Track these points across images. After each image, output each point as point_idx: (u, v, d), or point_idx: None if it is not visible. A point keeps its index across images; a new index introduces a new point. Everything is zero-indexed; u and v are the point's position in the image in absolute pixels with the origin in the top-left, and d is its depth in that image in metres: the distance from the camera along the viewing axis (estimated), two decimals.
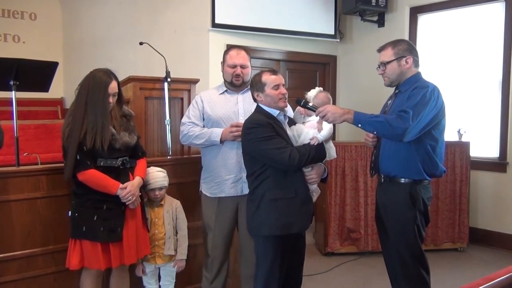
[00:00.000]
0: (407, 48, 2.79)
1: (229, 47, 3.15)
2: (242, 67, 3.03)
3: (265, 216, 2.58)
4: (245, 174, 2.96)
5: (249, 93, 3.08)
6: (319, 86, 2.89)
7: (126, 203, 2.68)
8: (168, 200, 3.00)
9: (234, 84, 3.05)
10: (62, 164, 2.72)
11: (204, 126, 3.06)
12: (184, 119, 3.11)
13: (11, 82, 3.35)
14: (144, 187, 2.86)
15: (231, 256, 3.36)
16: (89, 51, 6.82)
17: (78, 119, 2.59)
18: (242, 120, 2.98)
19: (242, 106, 3.04)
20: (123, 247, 2.68)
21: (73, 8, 7.22)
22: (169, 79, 3.50)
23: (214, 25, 5.17)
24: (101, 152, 2.60)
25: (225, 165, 2.99)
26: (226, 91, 3.10)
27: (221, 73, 3.12)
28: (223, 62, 3.09)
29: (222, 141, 2.95)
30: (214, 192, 3.04)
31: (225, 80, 3.11)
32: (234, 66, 3.02)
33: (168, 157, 3.47)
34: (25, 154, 4.57)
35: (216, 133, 2.95)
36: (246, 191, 2.97)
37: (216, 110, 3.04)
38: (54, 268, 2.85)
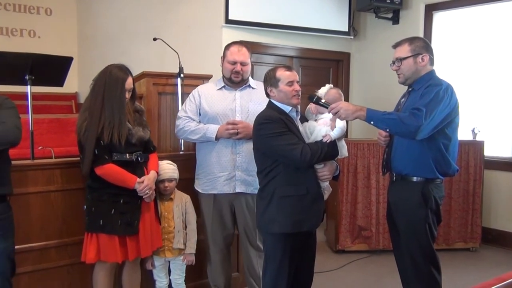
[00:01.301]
0: (423, 45, 2.76)
1: (230, 43, 3.10)
2: (242, 64, 2.99)
3: (275, 213, 2.56)
4: (239, 172, 2.97)
5: (247, 90, 3.07)
6: (332, 83, 2.87)
7: (143, 197, 2.71)
8: (178, 195, 3.03)
9: (232, 81, 3.02)
10: (76, 158, 2.75)
11: (200, 121, 3.04)
12: (181, 113, 3.09)
13: (27, 77, 3.39)
14: None
15: (242, 253, 3.38)
16: (103, 46, 6.86)
17: (95, 114, 2.61)
18: (238, 118, 2.97)
19: (240, 103, 3.02)
20: (139, 240, 2.72)
21: (87, 3, 7.27)
22: (182, 75, 3.52)
23: (228, 21, 5.17)
24: (118, 147, 2.62)
25: (219, 162, 2.98)
26: (224, 87, 3.07)
27: (221, 68, 3.09)
28: (223, 58, 3.05)
29: (217, 138, 2.94)
30: (206, 189, 3.05)
31: (223, 76, 3.08)
32: (234, 63, 2.98)
33: (181, 152, 3.49)
34: (39, 147, 4.62)
35: (212, 129, 2.94)
36: (239, 189, 2.99)
37: (213, 106, 3.01)
38: (67, 260, 2.88)
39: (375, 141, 3.13)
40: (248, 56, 3.03)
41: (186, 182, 3.18)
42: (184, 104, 3.13)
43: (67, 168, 2.88)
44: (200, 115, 3.05)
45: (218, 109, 3.00)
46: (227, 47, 3.06)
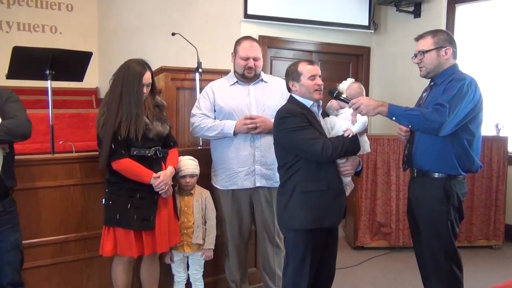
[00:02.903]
0: (447, 38, 2.71)
1: (241, 38, 3.10)
2: (255, 59, 2.99)
3: (297, 209, 2.52)
4: (258, 166, 2.96)
5: (260, 85, 3.06)
6: (352, 78, 2.83)
7: (159, 192, 2.71)
8: (198, 190, 3.03)
9: (245, 76, 3.01)
10: (96, 153, 2.77)
11: (215, 118, 3.03)
12: (195, 111, 3.07)
13: (47, 72, 3.42)
14: (176, 174, 2.87)
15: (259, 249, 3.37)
16: (123, 42, 6.91)
17: (113, 109, 2.62)
18: (254, 112, 2.97)
19: (254, 98, 3.01)
20: (155, 236, 2.72)
21: None
22: (200, 70, 3.51)
23: (247, 15, 5.14)
24: (135, 142, 2.63)
25: (237, 157, 2.97)
26: (237, 82, 3.07)
27: (232, 63, 3.08)
28: (235, 54, 3.04)
29: (235, 134, 2.94)
30: (225, 184, 3.03)
31: (235, 72, 3.07)
32: (247, 59, 2.97)
33: (199, 147, 3.48)
34: (60, 142, 4.66)
35: (229, 125, 2.93)
36: (259, 183, 2.99)
37: (228, 102, 3.00)
38: (86, 254, 2.91)
39: (395, 136, 3.08)
40: (260, 50, 3.04)
41: (205, 178, 3.18)
42: (197, 101, 3.11)
43: (86, 162, 2.90)
44: (215, 111, 3.04)
45: (234, 104, 3.00)
46: (238, 42, 3.05)
